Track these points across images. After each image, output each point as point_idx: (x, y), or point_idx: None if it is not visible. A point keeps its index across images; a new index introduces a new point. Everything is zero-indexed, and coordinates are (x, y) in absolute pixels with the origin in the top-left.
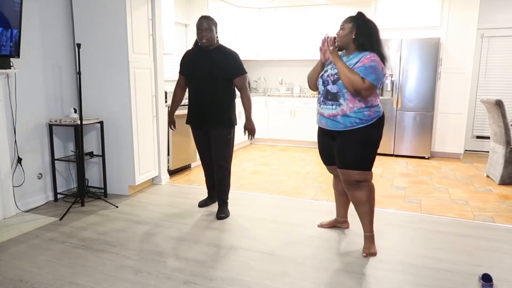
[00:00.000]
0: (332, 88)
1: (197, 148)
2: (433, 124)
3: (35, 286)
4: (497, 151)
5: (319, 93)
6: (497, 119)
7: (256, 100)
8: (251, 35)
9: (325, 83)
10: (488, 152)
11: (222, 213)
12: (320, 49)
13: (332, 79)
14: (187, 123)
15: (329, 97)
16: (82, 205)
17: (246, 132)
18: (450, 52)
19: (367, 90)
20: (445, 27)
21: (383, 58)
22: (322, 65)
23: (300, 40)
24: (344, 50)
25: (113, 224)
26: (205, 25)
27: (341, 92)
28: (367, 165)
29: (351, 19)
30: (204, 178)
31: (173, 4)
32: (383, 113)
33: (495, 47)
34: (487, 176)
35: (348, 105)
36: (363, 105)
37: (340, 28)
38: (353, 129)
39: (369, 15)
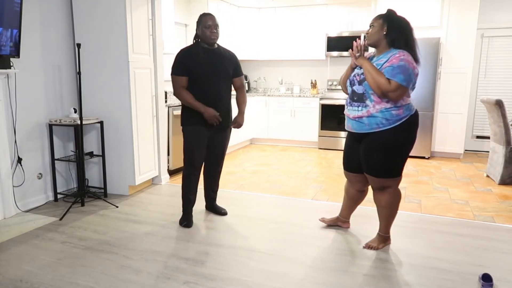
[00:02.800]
0: (358, 88)
1: (199, 152)
2: (433, 124)
3: (35, 286)
4: (497, 151)
5: (348, 94)
6: (497, 119)
7: (256, 100)
8: (251, 35)
9: (351, 84)
10: (488, 152)
11: (224, 209)
12: (351, 54)
13: (358, 79)
14: (194, 125)
15: (355, 98)
16: (82, 205)
17: (235, 124)
18: (450, 52)
19: (395, 91)
20: (445, 27)
21: (415, 58)
22: (353, 69)
23: (300, 40)
24: (375, 50)
25: (113, 224)
26: (216, 22)
27: (367, 93)
28: (394, 172)
29: (380, 15)
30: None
31: (173, 4)
32: (415, 112)
33: (495, 47)
34: (487, 176)
35: (375, 107)
36: (392, 105)
37: (370, 26)
38: (379, 131)
39: (369, 15)
